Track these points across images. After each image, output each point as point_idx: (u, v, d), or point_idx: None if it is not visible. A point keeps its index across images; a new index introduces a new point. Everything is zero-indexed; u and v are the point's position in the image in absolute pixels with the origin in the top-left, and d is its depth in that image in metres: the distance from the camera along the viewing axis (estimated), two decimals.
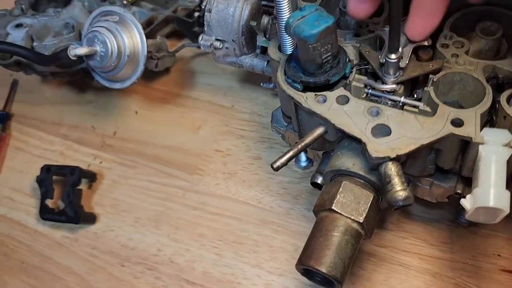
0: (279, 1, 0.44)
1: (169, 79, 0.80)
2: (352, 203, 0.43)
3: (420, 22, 0.43)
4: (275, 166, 0.44)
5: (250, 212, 0.64)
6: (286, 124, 0.56)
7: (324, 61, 0.44)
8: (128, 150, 0.73)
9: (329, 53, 0.43)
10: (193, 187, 0.68)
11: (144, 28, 0.78)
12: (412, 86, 0.49)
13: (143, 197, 0.68)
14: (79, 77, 0.73)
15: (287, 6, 0.44)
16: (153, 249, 0.63)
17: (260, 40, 0.58)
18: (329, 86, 0.46)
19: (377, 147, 0.41)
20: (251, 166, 0.68)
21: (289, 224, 0.62)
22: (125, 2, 0.80)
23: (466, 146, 0.42)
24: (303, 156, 0.58)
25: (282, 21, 0.45)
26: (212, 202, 0.66)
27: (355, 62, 0.48)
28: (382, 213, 0.50)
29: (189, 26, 0.78)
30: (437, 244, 0.58)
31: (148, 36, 0.77)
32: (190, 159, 0.71)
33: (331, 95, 0.45)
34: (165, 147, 0.73)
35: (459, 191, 0.46)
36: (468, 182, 0.46)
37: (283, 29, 0.46)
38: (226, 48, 0.60)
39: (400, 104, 0.44)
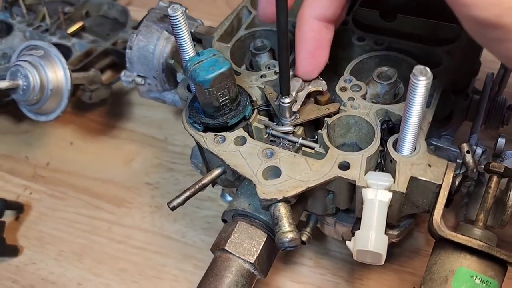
0: (180, 42, 0.45)
1: (106, 110, 0.81)
2: (244, 243, 0.44)
3: (305, 63, 0.45)
4: (171, 206, 0.45)
5: (173, 246, 0.64)
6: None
7: (222, 104, 0.45)
8: (59, 182, 0.73)
9: (227, 97, 0.44)
10: (120, 220, 0.68)
11: (82, 60, 0.79)
12: (316, 127, 0.50)
13: (70, 230, 0.68)
14: (9, 107, 0.73)
15: (188, 48, 0.45)
16: (74, 284, 0.62)
17: (180, 77, 0.59)
18: (230, 127, 0.46)
19: (266, 189, 0.41)
20: None
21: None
22: (66, 33, 0.81)
23: (354, 189, 0.43)
24: None
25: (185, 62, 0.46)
26: (136, 236, 0.66)
27: (260, 102, 0.49)
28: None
29: None
30: (353, 281, 0.58)
31: (85, 67, 0.79)
32: (120, 192, 0.71)
33: (230, 136, 0.46)
34: (97, 179, 0.73)
35: (354, 232, 0.47)
36: None
37: None
38: (149, 84, 0.61)
39: (298, 145, 0.46)
